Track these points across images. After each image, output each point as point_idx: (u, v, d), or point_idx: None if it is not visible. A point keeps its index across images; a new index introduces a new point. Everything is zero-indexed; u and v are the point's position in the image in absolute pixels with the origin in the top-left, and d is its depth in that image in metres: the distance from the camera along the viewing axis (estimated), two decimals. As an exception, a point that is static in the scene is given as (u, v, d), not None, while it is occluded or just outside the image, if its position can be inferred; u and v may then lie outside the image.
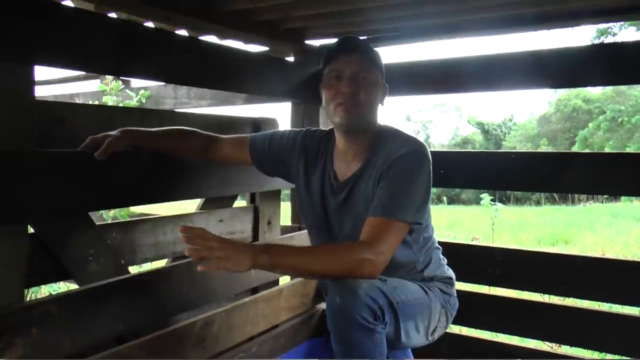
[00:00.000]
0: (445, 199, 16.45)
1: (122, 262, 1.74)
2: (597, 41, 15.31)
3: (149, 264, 2.44)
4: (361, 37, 2.34)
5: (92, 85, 3.49)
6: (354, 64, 1.56)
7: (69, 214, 1.54)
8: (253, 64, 2.14)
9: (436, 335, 1.70)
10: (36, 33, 1.32)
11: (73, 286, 2.07)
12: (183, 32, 2.19)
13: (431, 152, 1.61)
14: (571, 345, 2.26)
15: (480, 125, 28.39)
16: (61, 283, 3.34)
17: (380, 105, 1.65)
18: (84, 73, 3.41)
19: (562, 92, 23.78)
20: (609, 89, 21.24)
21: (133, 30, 1.66)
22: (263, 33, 2.26)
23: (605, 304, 2.72)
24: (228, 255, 1.31)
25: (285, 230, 2.43)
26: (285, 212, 2.51)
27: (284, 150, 1.76)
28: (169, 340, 1.64)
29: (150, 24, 2.10)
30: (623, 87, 20.18)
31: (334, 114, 1.58)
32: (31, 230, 1.49)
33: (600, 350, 2.34)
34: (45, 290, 3.35)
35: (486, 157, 2.30)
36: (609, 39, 16.23)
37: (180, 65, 1.80)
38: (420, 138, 1.66)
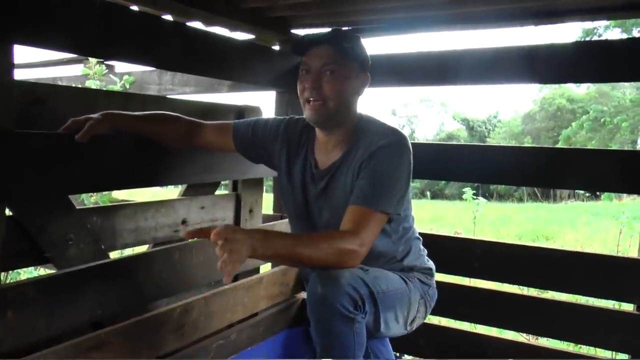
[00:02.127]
0: (428, 193, 16.54)
1: (102, 247, 1.72)
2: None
3: (130, 249, 2.42)
4: (347, 28, 2.37)
5: (75, 69, 3.44)
6: (320, 58, 1.55)
7: (48, 197, 1.52)
8: (238, 51, 2.12)
9: (415, 326, 1.71)
10: (16, 11, 1.30)
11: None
12: (168, 17, 2.17)
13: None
14: (548, 337, 2.29)
15: (465, 121, 28.57)
16: (41, 270, 3.32)
17: (356, 96, 1.63)
18: (66, 56, 3.37)
19: (547, 91, 24.00)
20: (592, 89, 21.48)
21: (118, 12, 1.63)
22: (249, 21, 2.25)
23: (582, 297, 2.76)
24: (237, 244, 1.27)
25: (266, 219, 2.43)
26: (267, 203, 2.50)
27: (266, 138, 1.75)
28: (147, 326, 1.64)
29: (135, 8, 2.07)
30: (606, 88, 20.43)
31: (303, 108, 1.59)
32: (9, 212, 1.47)
33: (576, 342, 2.38)
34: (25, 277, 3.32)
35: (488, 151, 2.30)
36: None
37: (166, 50, 1.78)
38: (405, 132, 1.65)
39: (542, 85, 23.47)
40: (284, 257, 1.46)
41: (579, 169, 2.06)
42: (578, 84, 23.20)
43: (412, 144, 1.63)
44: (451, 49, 2.24)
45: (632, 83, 19.22)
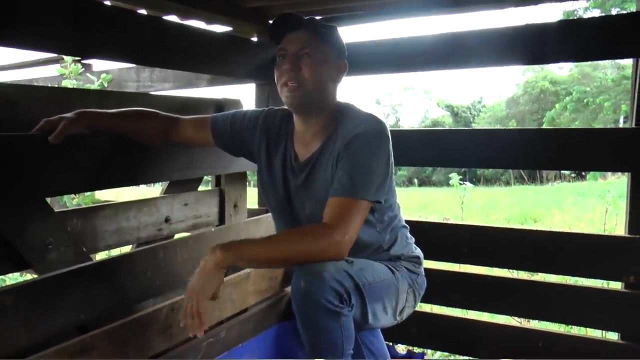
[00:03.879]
0: (416, 181, 16.58)
1: (84, 249, 1.69)
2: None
3: (115, 250, 2.38)
4: (324, 17, 2.34)
5: (52, 69, 3.38)
6: (297, 42, 1.52)
7: (24, 201, 1.48)
8: (216, 44, 2.09)
9: (404, 315, 1.69)
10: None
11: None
12: (143, 12, 2.13)
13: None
14: (539, 319, 2.29)
15: (450, 108, 28.64)
16: (28, 275, 3.26)
17: (334, 82, 1.60)
18: (42, 57, 3.31)
19: (530, 74, 24.14)
20: (574, 71, 21.62)
21: (90, 7, 1.59)
22: (225, 12, 2.21)
23: (571, 278, 2.76)
24: (199, 293, 1.38)
25: (251, 213, 2.40)
26: (252, 198, 2.47)
27: (245, 130, 1.72)
28: (134, 328, 1.60)
29: (108, 2, 2.03)
30: (588, 69, 20.58)
31: (281, 93, 1.55)
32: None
33: (567, 323, 2.38)
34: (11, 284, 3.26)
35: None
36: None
37: (142, 46, 1.76)
38: (390, 121, 1.63)
39: (526, 67, 23.61)
40: (266, 260, 1.48)
41: (565, 149, 2.05)
42: (561, 66, 23.37)
43: (397, 131, 1.61)
44: (431, 34, 2.21)
45: (612, 63, 19.39)
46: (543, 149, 2.08)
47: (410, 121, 31.61)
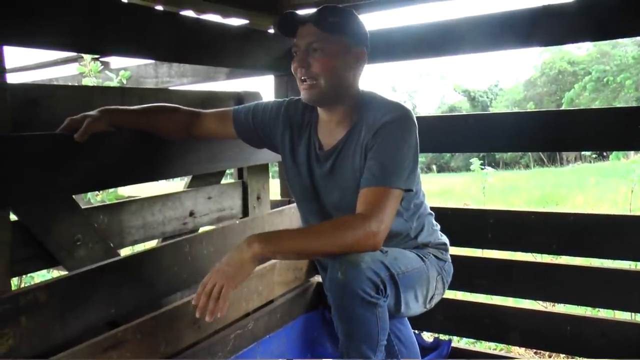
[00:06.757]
0: (434, 167, 16.48)
1: (111, 245, 1.71)
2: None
3: (142, 245, 2.40)
4: (347, 5, 2.31)
5: (71, 69, 3.41)
6: (306, 36, 1.50)
7: (52, 199, 1.50)
8: (233, 37, 2.08)
9: (433, 303, 1.70)
10: (3, 11, 1.27)
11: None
12: (159, 8, 2.13)
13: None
14: (565, 302, 2.26)
15: (467, 93, 28.38)
16: (55, 272, 3.31)
17: (352, 70, 1.56)
18: (61, 56, 3.34)
19: (547, 55, 23.78)
20: (593, 50, 21.26)
21: (108, 5, 1.60)
22: (241, 5, 2.21)
23: (596, 259, 2.72)
24: (229, 280, 1.36)
25: (274, 204, 2.41)
26: (274, 189, 2.48)
27: (267, 122, 1.72)
28: (163, 321, 1.63)
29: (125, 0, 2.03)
30: (607, 48, 20.21)
31: (300, 89, 1.55)
32: (14, 218, 1.45)
33: (593, 305, 2.35)
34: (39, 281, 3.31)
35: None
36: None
37: (160, 41, 1.75)
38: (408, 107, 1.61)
39: (542, 49, 23.17)
40: (303, 253, 1.49)
41: (586, 129, 2.01)
42: (579, 46, 22.97)
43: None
44: (448, 19, 2.17)
45: (633, 41, 19.01)
46: (563, 130, 2.04)
47: (427, 107, 31.42)
